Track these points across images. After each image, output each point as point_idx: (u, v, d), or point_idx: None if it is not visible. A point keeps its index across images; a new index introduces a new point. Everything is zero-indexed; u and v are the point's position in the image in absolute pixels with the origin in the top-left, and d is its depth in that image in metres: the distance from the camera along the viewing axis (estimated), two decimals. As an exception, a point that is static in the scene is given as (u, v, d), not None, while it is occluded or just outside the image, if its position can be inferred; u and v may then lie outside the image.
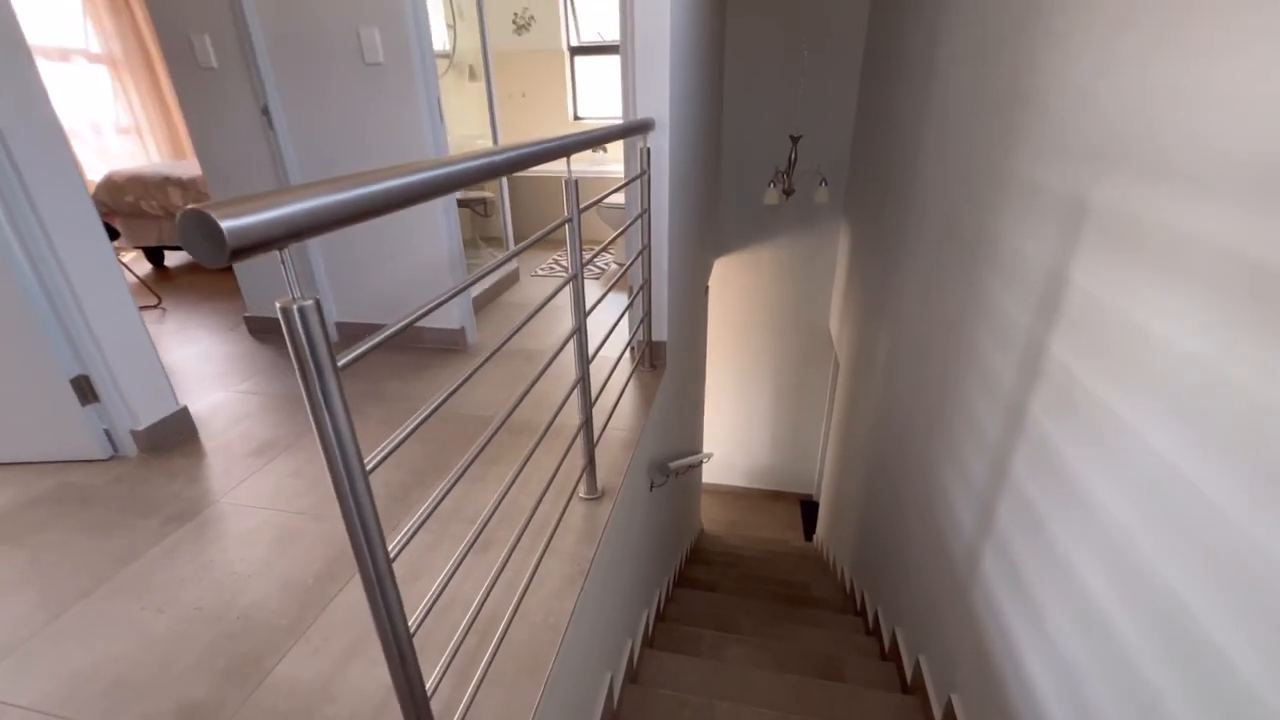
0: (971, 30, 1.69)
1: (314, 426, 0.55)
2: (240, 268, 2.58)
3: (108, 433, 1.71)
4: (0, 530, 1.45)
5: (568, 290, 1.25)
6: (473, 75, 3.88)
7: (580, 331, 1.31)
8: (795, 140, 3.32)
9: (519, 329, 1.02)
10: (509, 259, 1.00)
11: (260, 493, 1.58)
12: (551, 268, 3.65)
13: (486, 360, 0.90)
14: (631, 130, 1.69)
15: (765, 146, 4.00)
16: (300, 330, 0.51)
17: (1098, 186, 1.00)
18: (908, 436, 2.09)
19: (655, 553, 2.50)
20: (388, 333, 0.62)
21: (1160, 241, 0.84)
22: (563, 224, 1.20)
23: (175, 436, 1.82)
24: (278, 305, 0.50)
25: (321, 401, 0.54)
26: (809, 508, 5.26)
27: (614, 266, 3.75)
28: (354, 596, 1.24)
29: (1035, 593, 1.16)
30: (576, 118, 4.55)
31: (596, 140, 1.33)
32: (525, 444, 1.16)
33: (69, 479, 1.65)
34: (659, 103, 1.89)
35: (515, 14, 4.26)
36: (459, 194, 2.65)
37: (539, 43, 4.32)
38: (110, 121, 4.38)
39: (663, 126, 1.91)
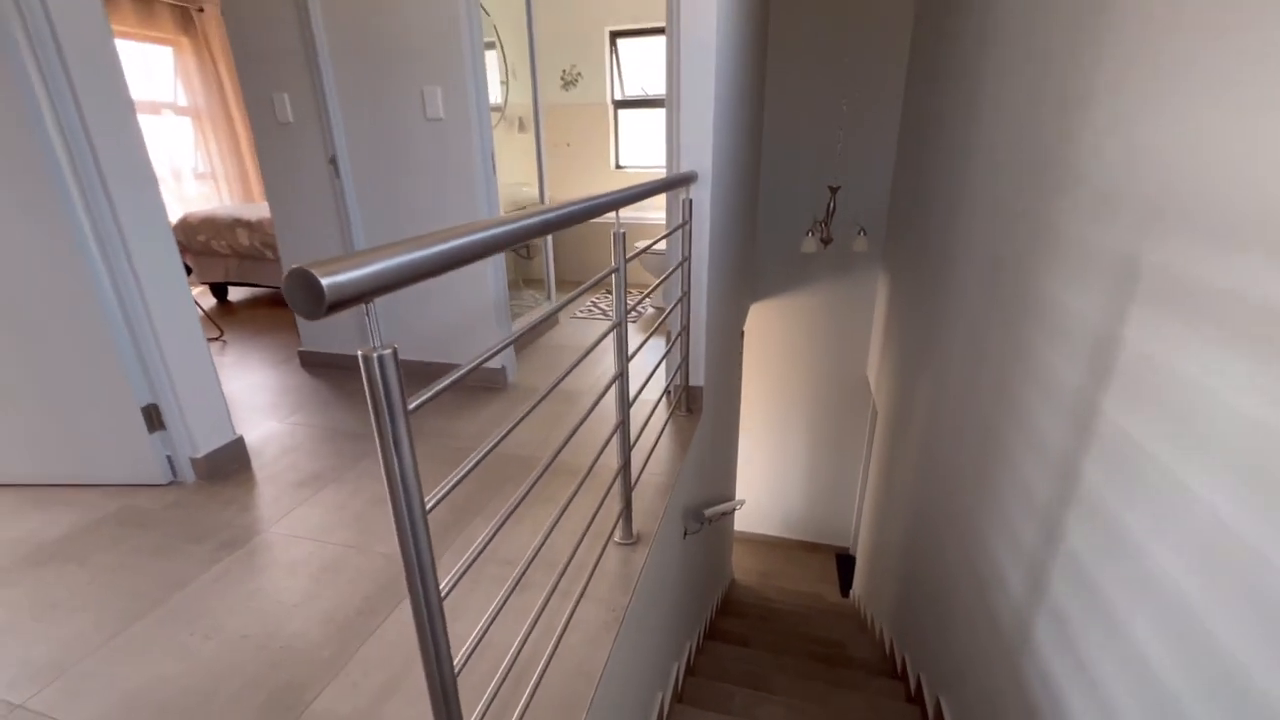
0: (1017, 79, 1.72)
1: (382, 466, 0.58)
2: (298, 305, 2.72)
3: (169, 459, 1.80)
4: (65, 550, 1.53)
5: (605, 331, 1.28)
6: (522, 127, 4.09)
7: (622, 376, 1.34)
8: (834, 190, 3.37)
9: (567, 373, 1.06)
10: (560, 309, 1.04)
11: (306, 523, 1.63)
12: (590, 310, 3.73)
13: (538, 403, 0.93)
14: (676, 183, 1.76)
15: (803, 195, 4.06)
16: (378, 376, 0.55)
17: (1155, 245, 1.00)
18: (951, 493, 2.02)
19: (687, 602, 2.45)
20: (455, 376, 0.65)
21: (1222, 303, 0.83)
22: (610, 274, 1.25)
23: (230, 465, 1.90)
24: (360, 353, 0.54)
25: (392, 442, 0.57)
26: (845, 561, 5.07)
27: (650, 310, 3.81)
28: (392, 633, 1.25)
29: (1091, 662, 1.10)
30: (618, 166, 4.72)
31: (645, 194, 1.38)
32: (561, 484, 1.18)
33: (131, 502, 1.73)
34: (701, 156, 1.96)
35: (564, 71, 4.51)
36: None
37: (584, 97, 4.54)
38: (189, 167, 4.75)
39: (705, 179, 1.98)
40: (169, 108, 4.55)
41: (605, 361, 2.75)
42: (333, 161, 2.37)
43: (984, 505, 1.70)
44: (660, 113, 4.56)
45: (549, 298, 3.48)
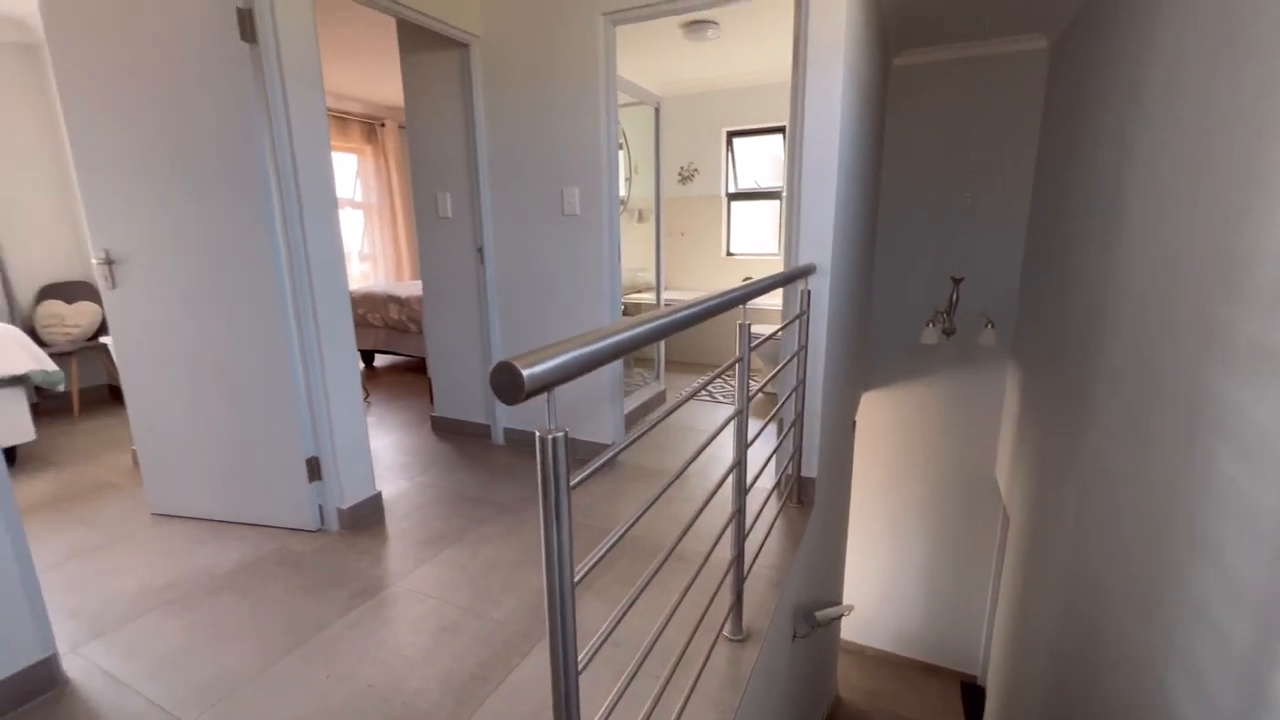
0: (1174, 162, 1.61)
1: (543, 535, 0.64)
2: (435, 375, 3.01)
3: (321, 508, 2.01)
4: (234, 582, 1.73)
5: (709, 415, 1.31)
6: (640, 218, 4.40)
7: (740, 465, 1.34)
8: (957, 282, 3.26)
9: (694, 458, 1.08)
10: (691, 396, 1.09)
11: (429, 581, 1.73)
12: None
13: (671, 483, 0.96)
14: (797, 276, 1.80)
15: (919, 284, 3.96)
16: (550, 455, 0.61)
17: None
18: (1110, 625, 1.75)
19: (794, 713, 2.25)
20: (608, 454, 0.71)
21: None
22: (734, 364, 1.29)
23: (368, 518, 2.09)
24: (536, 433, 0.61)
25: (555, 515, 0.63)
26: (972, 693, 4.43)
27: (759, 395, 3.79)
28: (501, 702, 1.27)
29: None
30: (729, 253, 4.90)
31: (771, 287, 1.44)
32: (666, 565, 1.18)
33: (286, 544, 1.94)
34: (821, 249, 2.00)
35: (682, 167, 4.85)
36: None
37: (700, 190, 4.83)
38: (356, 250, 5.55)
39: (824, 271, 2.01)
40: (348, 203, 5.40)
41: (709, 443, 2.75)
42: (480, 251, 2.68)
43: (1158, 644, 1.45)
44: (769, 204, 4.73)
45: (657, 377, 3.59)
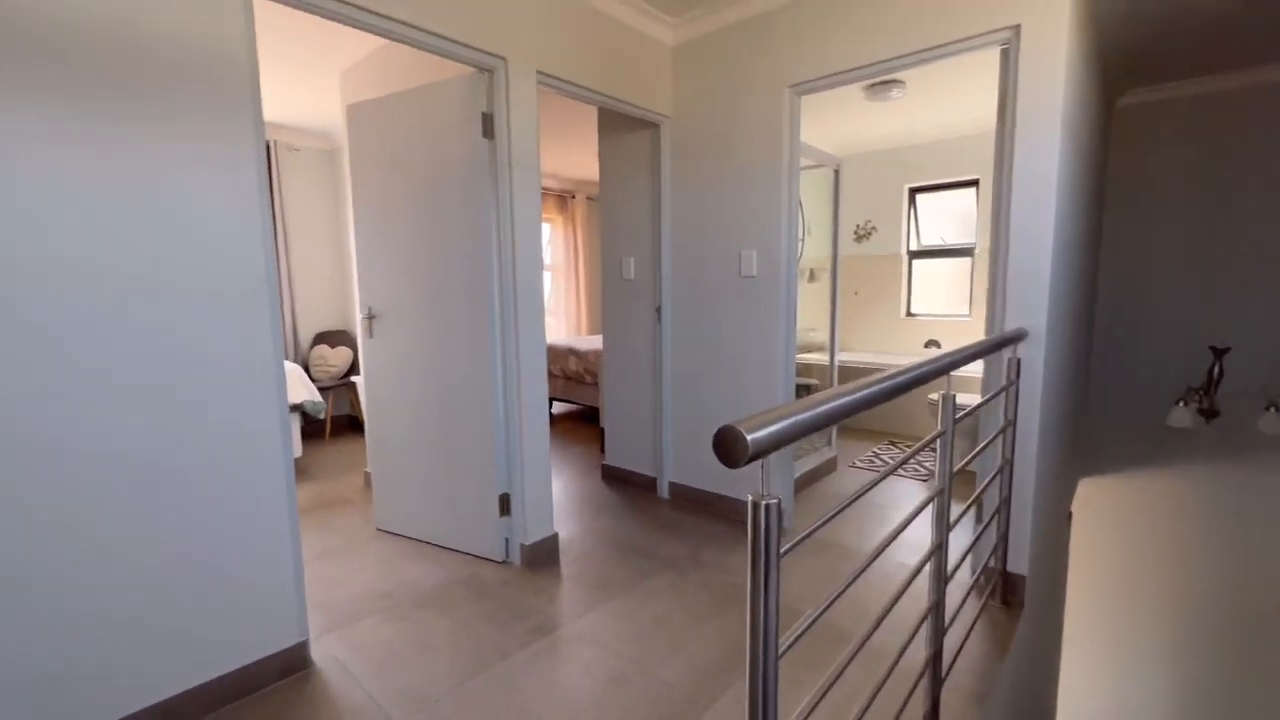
0: None
1: (749, 604, 0.63)
2: (607, 425, 3.18)
3: (507, 541, 2.20)
4: (436, 599, 1.94)
5: (888, 488, 1.19)
6: (812, 277, 4.31)
7: (941, 550, 1.21)
8: (1220, 352, 2.67)
9: (889, 540, 1.00)
10: (892, 470, 1.02)
11: (599, 628, 1.78)
12: (871, 460, 3.51)
13: (868, 564, 0.90)
14: (1005, 343, 1.63)
15: (1161, 351, 3.31)
16: (763, 521, 0.61)
17: None
18: None
19: None
20: (819, 523, 0.69)
21: None
22: (935, 438, 1.19)
23: (546, 556, 2.23)
24: (749, 498, 0.62)
25: (763, 584, 0.62)
26: None
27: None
28: (669, 769, 1.24)
29: None
30: (909, 314, 4.57)
31: (976, 355, 1.32)
32: (835, 649, 1.07)
33: (476, 572, 2.14)
34: (1033, 314, 1.79)
35: (858, 225, 4.70)
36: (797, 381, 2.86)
37: (877, 248, 4.62)
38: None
39: (1037, 337, 1.79)
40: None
41: (884, 516, 2.51)
42: (657, 310, 2.83)
43: None
44: (955, 261, 4.36)
45: (829, 442, 3.40)
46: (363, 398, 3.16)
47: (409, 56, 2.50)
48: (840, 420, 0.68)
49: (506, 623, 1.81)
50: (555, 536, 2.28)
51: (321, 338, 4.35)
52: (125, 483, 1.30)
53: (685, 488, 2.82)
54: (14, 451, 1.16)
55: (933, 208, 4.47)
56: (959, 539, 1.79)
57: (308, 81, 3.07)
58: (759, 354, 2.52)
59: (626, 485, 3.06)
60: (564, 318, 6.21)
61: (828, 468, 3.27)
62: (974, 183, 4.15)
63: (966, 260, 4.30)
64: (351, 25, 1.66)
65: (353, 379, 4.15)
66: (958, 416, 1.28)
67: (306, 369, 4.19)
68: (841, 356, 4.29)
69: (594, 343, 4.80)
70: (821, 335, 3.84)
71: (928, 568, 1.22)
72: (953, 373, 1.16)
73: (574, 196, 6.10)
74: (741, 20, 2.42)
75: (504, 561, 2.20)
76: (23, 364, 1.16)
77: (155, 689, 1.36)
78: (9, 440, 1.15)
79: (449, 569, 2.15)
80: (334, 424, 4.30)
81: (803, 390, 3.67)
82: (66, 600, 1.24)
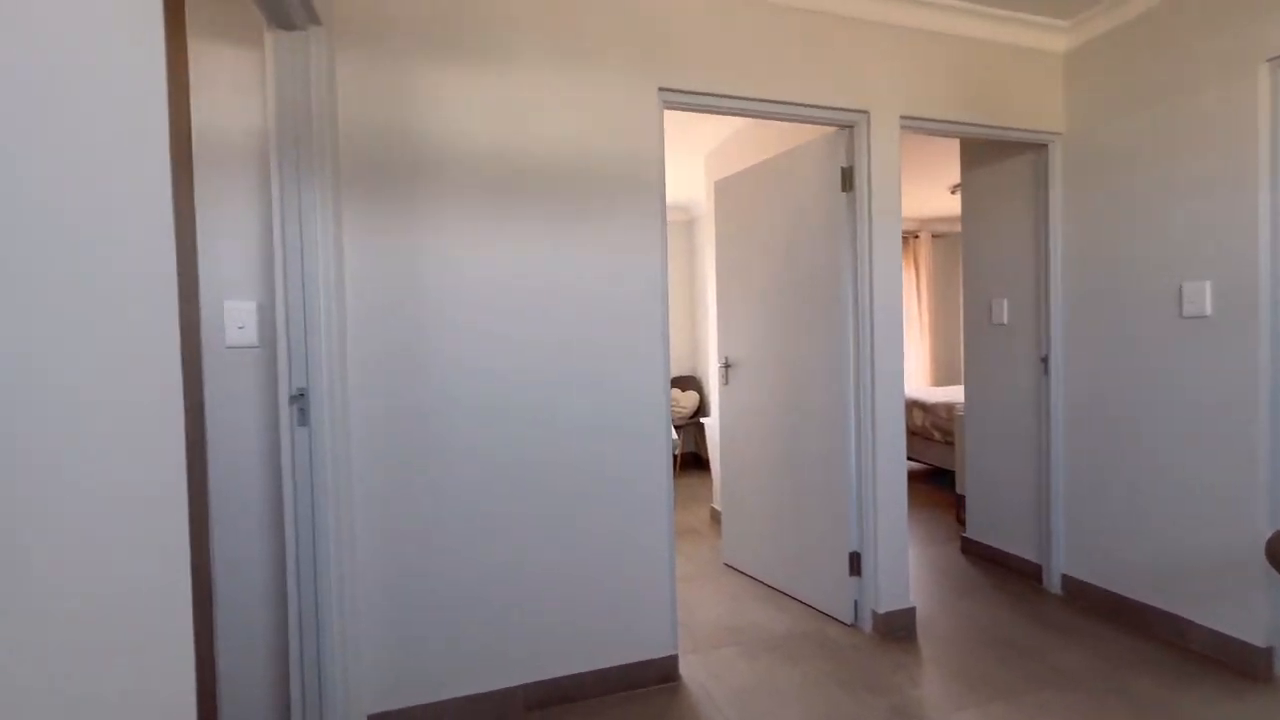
0: None
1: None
2: (970, 493, 2.75)
3: (857, 604, 2.08)
4: (783, 646, 1.95)
5: None
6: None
7: None
8: None
9: None
10: None
11: (977, 734, 1.51)
12: None
13: None
14: None
15: None
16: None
17: None
18: None
19: None
20: None
21: None
22: None
23: (901, 630, 2.02)
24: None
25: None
26: None
27: None
28: None
29: None
30: None
31: None
32: None
33: (823, 628, 2.07)
34: None
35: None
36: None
37: None
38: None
39: None
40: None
41: None
42: (1044, 360, 2.36)
43: None
44: None
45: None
46: (709, 438, 3.47)
47: (768, 129, 2.74)
48: None
49: (859, 694, 1.69)
50: (913, 610, 2.05)
51: (675, 382, 4.98)
52: (594, 493, 1.71)
53: (1091, 587, 2.21)
54: (520, 464, 1.64)
55: None
56: None
57: (674, 165, 3.65)
58: (1212, 422, 1.85)
59: (996, 567, 2.58)
60: (909, 368, 5.73)
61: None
62: None
63: None
64: (729, 114, 1.92)
65: (700, 419, 4.61)
66: None
67: (663, 409, 4.83)
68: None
69: (943, 395, 4.28)
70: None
71: None
72: None
73: (917, 236, 5.66)
74: (1178, -6, 1.92)
75: (853, 625, 2.08)
76: (544, 404, 1.65)
77: (567, 663, 1.70)
78: (522, 462, 1.64)
79: (794, 618, 2.13)
80: (682, 459, 4.82)
81: (1293, 476, 2.53)
82: (542, 585, 1.67)
